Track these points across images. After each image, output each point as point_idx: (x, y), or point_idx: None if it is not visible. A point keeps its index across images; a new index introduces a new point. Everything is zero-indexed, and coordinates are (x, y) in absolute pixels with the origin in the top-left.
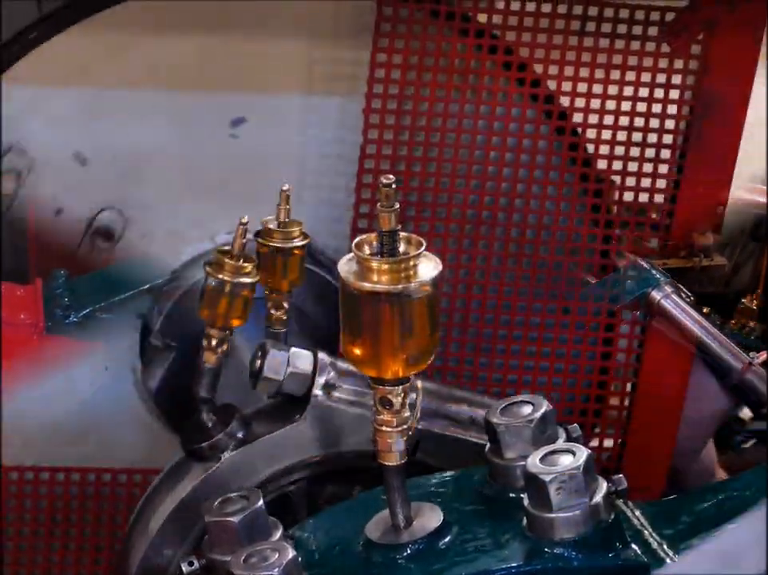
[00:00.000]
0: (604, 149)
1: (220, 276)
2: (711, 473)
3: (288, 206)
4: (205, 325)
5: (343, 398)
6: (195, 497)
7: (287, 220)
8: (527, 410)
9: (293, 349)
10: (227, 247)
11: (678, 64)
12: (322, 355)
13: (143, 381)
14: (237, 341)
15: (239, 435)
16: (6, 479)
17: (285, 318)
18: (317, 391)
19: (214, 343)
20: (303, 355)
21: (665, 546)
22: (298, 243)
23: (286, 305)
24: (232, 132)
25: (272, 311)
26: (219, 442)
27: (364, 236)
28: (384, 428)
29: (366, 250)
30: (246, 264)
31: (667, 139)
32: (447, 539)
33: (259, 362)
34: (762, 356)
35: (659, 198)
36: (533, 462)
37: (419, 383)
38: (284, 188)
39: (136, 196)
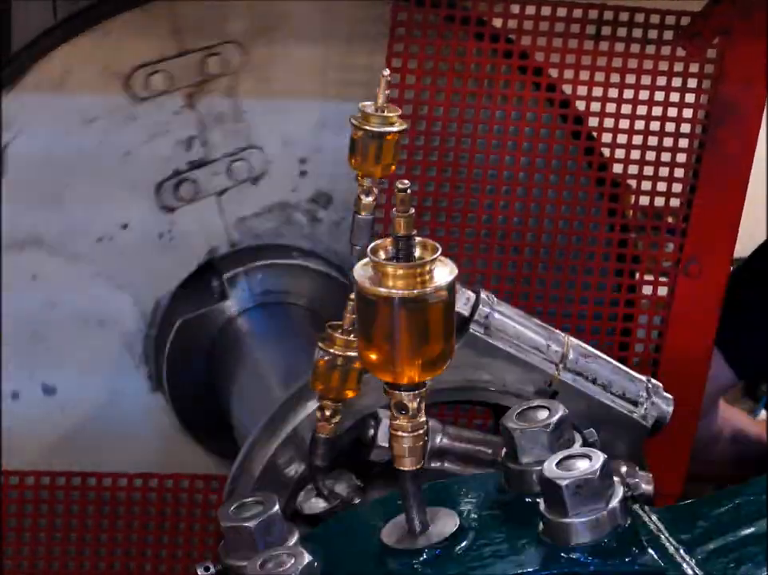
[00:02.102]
0: (620, 153)
1: (332, 351)
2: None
3: (388, 92)
4: (318, 397)
5: (451, 468)
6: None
7: (385, 105)
8: (543, 414)
9: None
10: (338, 322)
11: (694, 68)
12: (432, 422)
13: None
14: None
15: (355, 502)
16: (22, 484)
17: (375, 204)
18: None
19: (328, 413)
20: None
21: (682, 551)
22: (395, 128)
23: (376, 191)
24: None
25: (362, 197)
26: (336, 509)
27: (379, 241)
28: (400, 433)
29: (382, 255)
30: (355, 338)
31: (683, 143)
32: (463, 544)
33: (372, 430)
34: None
35: (674, 202)
36: (549, 467)
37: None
38: (385, 73)
39: None
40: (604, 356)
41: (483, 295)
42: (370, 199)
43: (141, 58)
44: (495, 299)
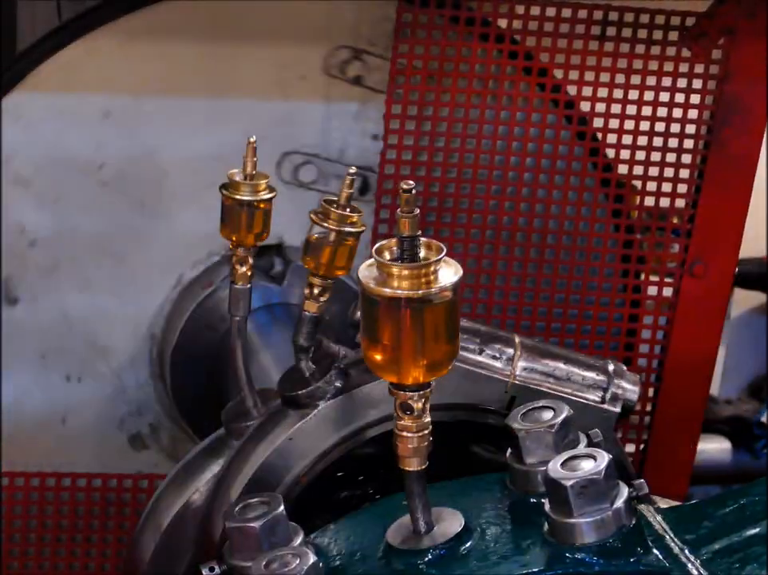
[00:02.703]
0: (625, 154)
1: (326, 225)
2: None
3: (255, 158)
4: (308, 274)
5: None
6: (290, 444)
7: (253, 172)
8: (548, 415)
9: None
10: (333, 197)
11: (699, 69)
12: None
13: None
14: (250, 328)
15: (338, 384)
16: (12, 484)
17: (250, 274)
18: None
19: (316, 291)
20: None
21: (686, 551)
22: (264, 196)
23: (251, 260)
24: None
25: (237, 267)
26: (317, 390)
27: (384, 242)
28: (405, 433)
29: (387, 255)
30: (352, 214)
31: (688, 144)
32: (468, 544)
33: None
34: None
35: (680, 203)
36: (554, 467)
37: (517, 338)
38: (251, 140)
39: None
40: (557, 349)
41: None
42: (244, 269)
43: (352, 42)
44: None
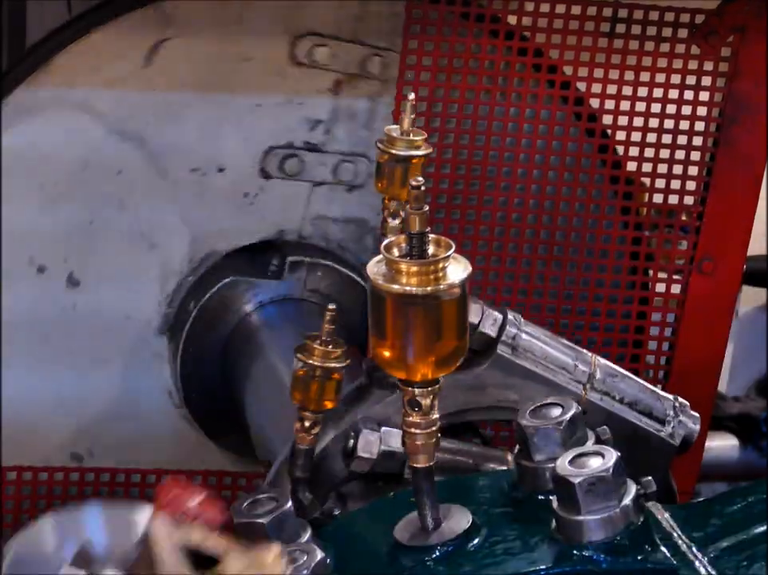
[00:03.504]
0: (634, 151)
1: (310, 362)
2: None
3: (413, 115)
4: (298, 409)
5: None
6: None
7: (410, 129)
8: (556, 412)
9: (384, 428)
10: (315, 333)
11: (709, 66)
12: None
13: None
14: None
15: (335, 514)
16: (36, 479)
17: (401, 227)
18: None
19: (308, 424)
20: (395, 434)
21: (694, 549)
22: (421, 152)
23: (402, 214)
24: None
25: (388, 220)
26: (316, 521)
27: (393, 238)
28: (413, 430)
29: (395, 252)
30: (335, 349)
31: (697, 141)
32: (476, 541)
33: (352, 441)
34: None
35: (688, 200)
36: (562, 465)
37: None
38: (410, 97)
39: None
40: (631, 376)
41: (510, 315)
42: (396, 222)
43: (317, 27)
44: (522, 319)
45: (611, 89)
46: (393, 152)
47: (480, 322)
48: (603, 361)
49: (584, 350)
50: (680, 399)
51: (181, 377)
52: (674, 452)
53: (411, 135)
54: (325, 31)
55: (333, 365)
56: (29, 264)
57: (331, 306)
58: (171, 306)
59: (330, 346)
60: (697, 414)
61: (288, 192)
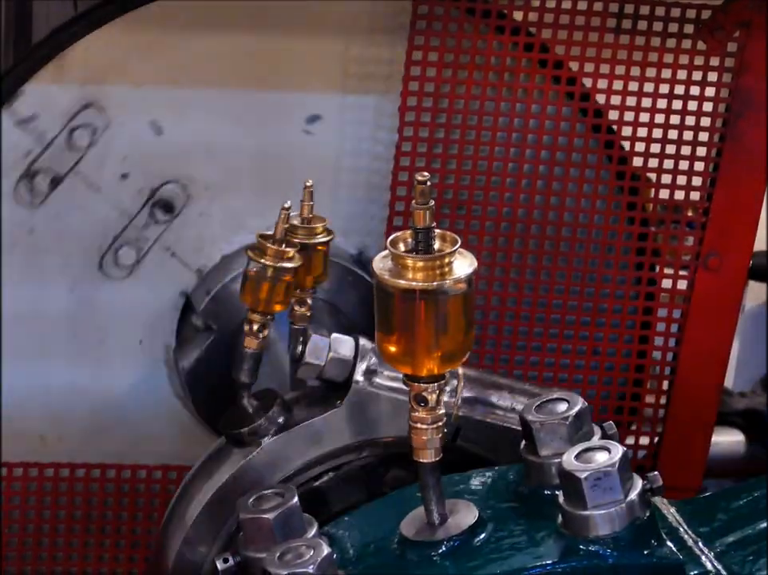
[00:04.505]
0: (640, 147)
1: (262, 261)
2: None
3: (312, 202)
4: (247, 310)
5: (384, 385)
6: (234, 483)
7: (310, 215)
8: (562, 407)
9: (334, 334)
10: (269, 232)
11: (715, 62)
12: (363, 341)
13: (175, 360)
14: (271, 334)
15: (280, 420)
16: (42, 476)
17: (308, 314)
18: (358, 377)
19: (255, 327)
20: (345, 341)
21: (700, 544)
22: (321, 239)
23: (309, 301)
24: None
25: (296, 308)
26: (259, 427)
27: (399, 234)
28: (419, 425)
29: (401, 247)
30: (288, 249)
31: (703, 137)
32: (482, 536)
33: (300, 347)
34: None
35: (694, 196)
36: (568, 460)
37: (461, 370)
38: (307, 184)
39: (202, 174)
40: (501, 378)
41: (362, 341)
42: (303, 309)
43: None
44: (371, 343)
45: (618, 85)
46: (296, 240)
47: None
48: (469, 371)
49: None
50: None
51: (186, 372)
52: None
53: (283, 246)
54: None
55: (285, 265)
56: None
57: (287, 204)
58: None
59: (284, 246)
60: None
61: None
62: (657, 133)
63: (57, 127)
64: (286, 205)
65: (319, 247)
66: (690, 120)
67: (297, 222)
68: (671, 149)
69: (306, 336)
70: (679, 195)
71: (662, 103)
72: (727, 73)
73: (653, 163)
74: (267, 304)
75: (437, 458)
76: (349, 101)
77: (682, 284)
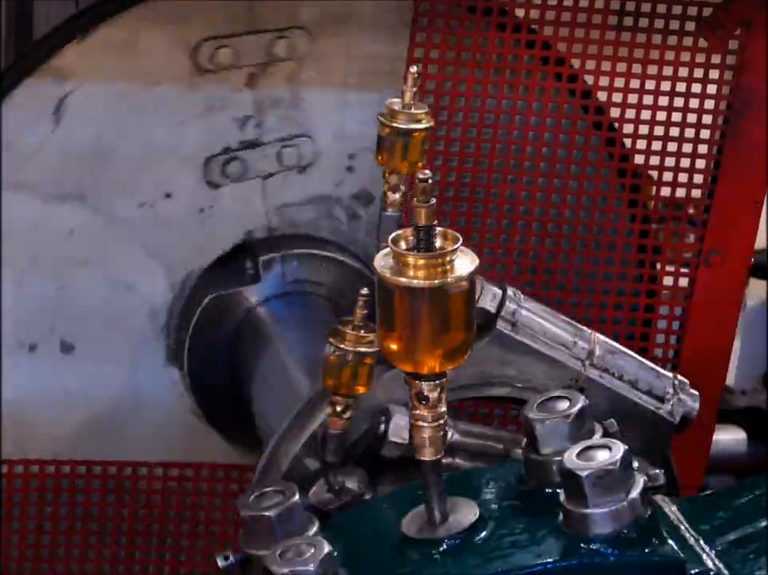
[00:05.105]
0: (641, 144)
1: (342, 346)
2: None
3: (415, 89)
4: (329, 392)
5: (462, 464)
6: None
7: (411, 102)
8: (563, 405)
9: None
10: (348, 318)
11: (716, 59)
12: None
13: (178, 360)
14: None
15: (366, 498)
16: (43, 473)
17: (401, 200)
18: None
19: (339, 409)
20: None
21: (701, 542)
22: (418, 126)
23: (402, 188)
24: None
25: (388, 194)
26: (347, 505)
27: (400, 231)
28: (420, 423)
29: (403, 245)
30: (367, 334)
31: (704, 134)
32: (483, 534)
33: (383, 426)
34: None
35: (696, 193)
36: (569, 458)
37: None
38: (412, 70)
39: None
40: (631, 353)
41: (509, 291)
42: (397, 196)
43: (211, 31)
44: (522, 295)
45: (619, 82)
46: (395, 125)
47: (479, 297)
48: (602, 338)
49: (584, 328)
50: (680, 377)
51: (188, 371)
52: (673, 429)
53: (413, 108)
54: (219, 32)
55: (365, 350)
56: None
57: (364, 291)
58: (168, 338)
59: (362, 331)
60: (696, 392)
61: (242, 193)
62: (658, 131)
63: None
64: (363, 291)
65: (416, 134)
66: (691, 118)
67: (397, 107)
68: (672, 147)
69: (388, 415)
70: (681, 192)
71: (663, 100)
72: (728, 70)
73: (655, 160)
74: (350, 388)
75: (439, 456)
76: (263, 94)
77: (683, 282)
